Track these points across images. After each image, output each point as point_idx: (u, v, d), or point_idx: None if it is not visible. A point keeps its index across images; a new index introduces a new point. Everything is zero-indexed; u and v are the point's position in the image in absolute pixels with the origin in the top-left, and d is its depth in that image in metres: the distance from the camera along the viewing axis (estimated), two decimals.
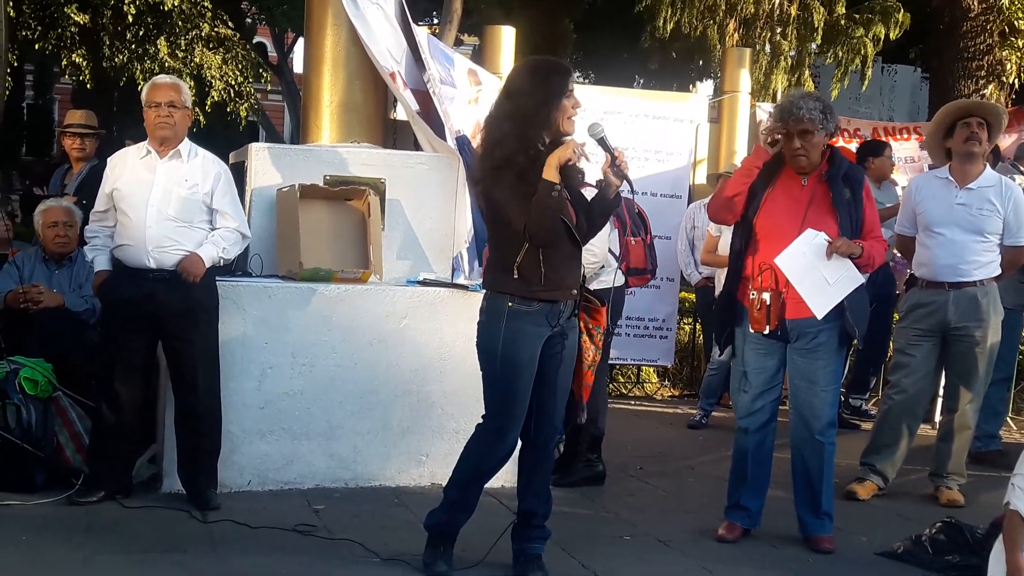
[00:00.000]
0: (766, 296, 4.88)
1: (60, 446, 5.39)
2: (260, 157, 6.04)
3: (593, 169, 4.42)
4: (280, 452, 5.54)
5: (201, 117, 16.27)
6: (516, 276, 4.15)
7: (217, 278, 5.32)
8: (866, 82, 12.99)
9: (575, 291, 4.25)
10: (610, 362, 7.99)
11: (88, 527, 4.79)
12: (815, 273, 4.79)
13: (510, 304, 4.16)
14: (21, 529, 4.68)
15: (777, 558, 4.87)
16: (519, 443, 4.35)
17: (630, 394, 9.37)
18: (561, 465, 6.04)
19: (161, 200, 5.10)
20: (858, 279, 4.86)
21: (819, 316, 4.82)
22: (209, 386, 5.21)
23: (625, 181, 4.27)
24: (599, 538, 5.03)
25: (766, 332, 4.92)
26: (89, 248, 5.35)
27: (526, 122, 4.12)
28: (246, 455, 5.48)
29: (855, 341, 5.20)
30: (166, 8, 15.66)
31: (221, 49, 17.93)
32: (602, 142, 4.27)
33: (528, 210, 4.06)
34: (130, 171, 5.19)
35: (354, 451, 5.66)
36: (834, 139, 9.57)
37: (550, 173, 4.06)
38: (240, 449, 5.46)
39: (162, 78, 5.34)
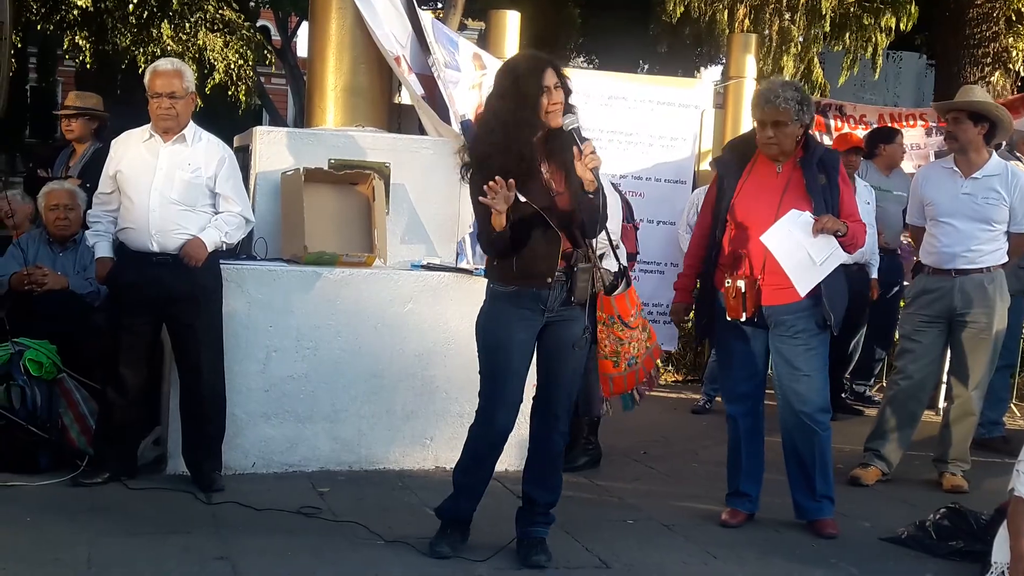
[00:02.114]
0: (741, 284, 4.86)
1: (65, 428, 5.40)
2: (265, 141, 6.03)
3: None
4: (284, 435, 5.55)
5: (199, 100, 16.23)
6: (495, 263, 4.29)
7: (221, 261, 5.31)
8: (877, 71, 12.94)
9: (549, 280, 4.20)
10: None
11: (92, 508, 4.80)
12: (801, 251, 4.78)
13: (491, 285, 4.30)
14: (26, 510, 4.69)
15: (780, 542, 4.87)
16: (512, 428, 4.36)
17: None
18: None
19: (164, 184, 5.08)
20: (842, 257, 4.89)
21: (803, 294, 4.81)
22: (213, 369, 5.22)
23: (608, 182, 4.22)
24: (603, 522, 5.03)
25: (743, 320, 4.91)
26: (91, 233, 5.33)
27: (505, 125, 4.15)
28: (250, 438, 5.49)
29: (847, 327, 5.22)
30: None
31: (225, 31, 17.85)
32: (571, 135, 4.20)
33: (484, 216, 4.14)
34: (134, 154, 5.17)
35: (358, 434, 5.66)
36: (839, 126, 9.61)
37: (497, 220, 4.09)
38: (244, 432, 5.46)
39: (162, 64, 5.23)
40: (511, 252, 4.18)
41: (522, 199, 4.10)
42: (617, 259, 4.73)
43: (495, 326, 4.27)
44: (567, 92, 4.22)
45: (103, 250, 5.24)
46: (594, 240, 4.30)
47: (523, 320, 4.23)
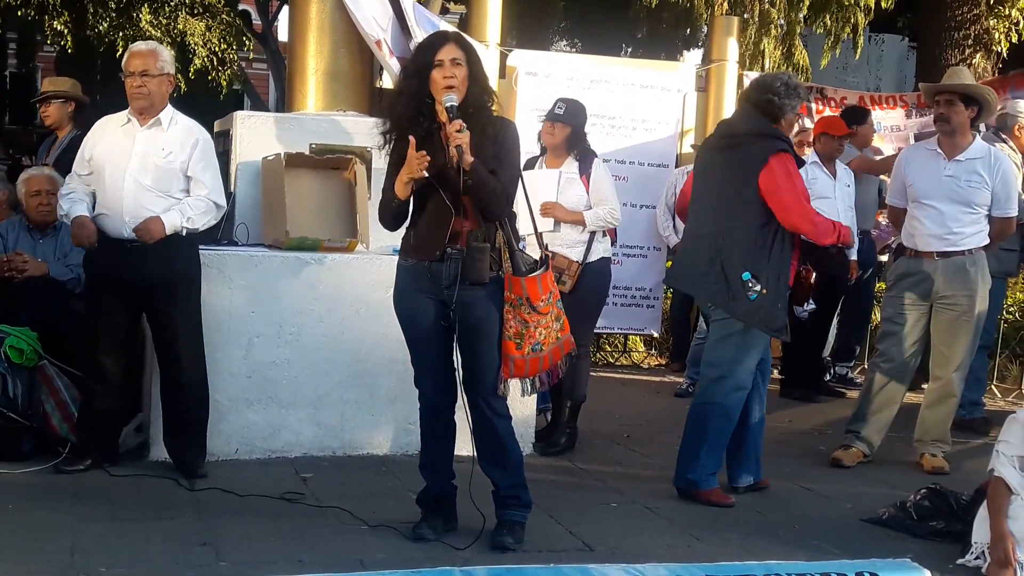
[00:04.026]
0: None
1: (46, 415, 5.38)
2: (245, 125, 6.01)
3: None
4: (267, 421, 5.54)
5: (183, 84, 16.08)
6: (404, 238, 4.38)
7: (202, 247, 5.28)
8: (858, 51, 12.96)
9: (438, 253, 4.20)
10: (597, 331, 8.01)
11: (75, 495, 4.79)
12: None
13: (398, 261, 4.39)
14: (8, 497, 4.68)
15: (762, 524, 4.90)
16: (449, 399, 4.40)
17: (617, 363, 9.38)
18: (545, 434, 6.07)
19: (138, 169, 5.02)
20: None
21: None
22: (192, 358, 5.16)
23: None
24: (586, 505, 5.05)
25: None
26: (64, 201, 5.11)
27: (401, 95, 4.26)
28: (233, 424, 5.48)
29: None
30: None
31: (206, 15, 17.73)
32: (448, 112, 4.15)
33: (390, 183, 4.24)
34: (110, 138, 5.11)
35: (342, 420, 5.66)
36: (820, 109, 9.63)
37: (400, 189, 4.18)
38: (227, 418, 5.45)
39: (138, 46, 5.20)
40: (399, 223, 4.31)
41: (425, 173, 4.14)
42: (539, 242, 4.65)
43: (399, 298, 4.35)
44: (472, 71, 4.17)
45: (80, 210, 5.01)
46: (512, 221, 4.26)
47: (422, 292, 4.26)
